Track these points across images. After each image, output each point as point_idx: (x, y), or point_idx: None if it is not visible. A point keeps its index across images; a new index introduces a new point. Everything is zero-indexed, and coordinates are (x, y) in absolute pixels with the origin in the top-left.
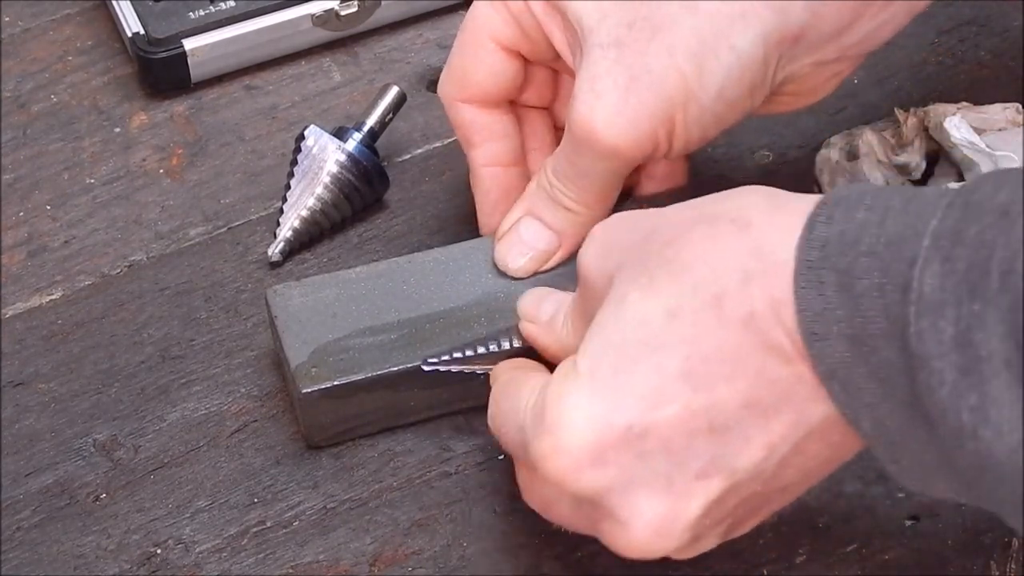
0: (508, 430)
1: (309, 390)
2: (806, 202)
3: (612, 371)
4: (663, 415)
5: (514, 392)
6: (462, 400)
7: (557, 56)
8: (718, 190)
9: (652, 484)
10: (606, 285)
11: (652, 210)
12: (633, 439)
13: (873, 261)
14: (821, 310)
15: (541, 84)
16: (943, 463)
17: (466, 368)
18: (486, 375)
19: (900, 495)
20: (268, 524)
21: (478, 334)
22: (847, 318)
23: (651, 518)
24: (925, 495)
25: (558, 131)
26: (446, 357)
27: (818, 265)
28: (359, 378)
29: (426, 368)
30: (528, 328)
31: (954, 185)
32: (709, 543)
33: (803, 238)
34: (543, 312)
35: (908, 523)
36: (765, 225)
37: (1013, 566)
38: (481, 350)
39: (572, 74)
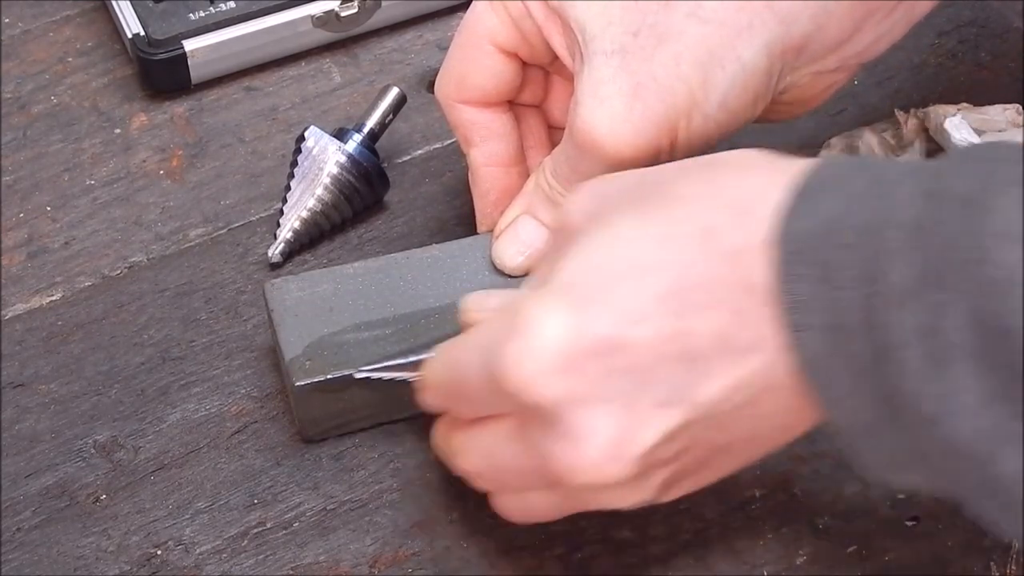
0: (465, 357)
1: (303, 383)
2: (801, 162)
3: (591, 285)
4: (638, 333)
5: (472, 329)
6: None
7: (554, 59)
8: None
9: (613, 402)
10: (592, 223)
11: (646, 168)
12: (605, 352)
13: (849, 253)
14: (800, 302)
15: (534, 83)
16: (912, 455)
17: (397, 376)
18: (414, 384)
19: (901, 496)
20: (268, 525)
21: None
22: (825, 309)
23: (605, 438)
24: (887, 485)
25: (552, 128)
26: (378, 365)
27: (796, 257)
28: (353, 372)
29: (358, 376)
30: (477, 317)
31: (917, 159)
32: (647, 489)
33: (778, 230)
34: (491, 302)
35: (909, 524)
36: (763, 170)
37: (1013, 567)
38: (413, 358)
39: (567, 76)
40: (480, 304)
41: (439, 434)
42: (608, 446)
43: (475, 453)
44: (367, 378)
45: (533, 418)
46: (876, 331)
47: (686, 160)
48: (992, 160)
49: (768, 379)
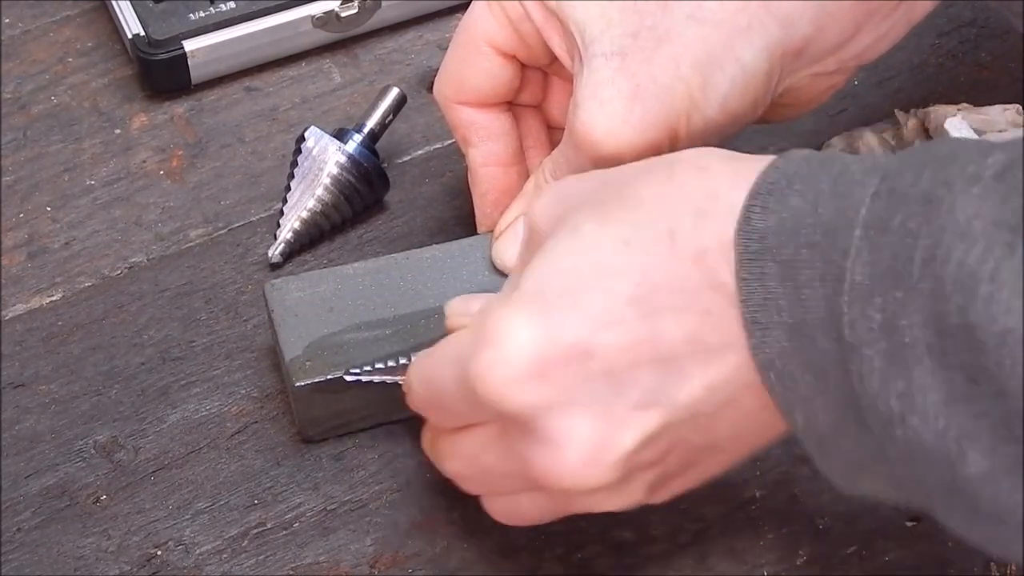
0: (440, 370)
1: (303, 384)
2: (761, 160)
3: (559, 292)
4: (608, 338)
5: (445, 341)
6: None
7: (552, 60)
8: None
9: (590, 407)
10: (556, 227)
11: (609, 168)
12: (576, 358)
13: (813, 252)
14: (763, 300)
15: (533, 84)
16: (874, 458)
17: (387, 379)
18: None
19: None
20: (268, 525)
21: None
22: (788, 308)
23: (584, 443)
24: (852, 492)
25: (551, 128)
26: (368, 367)
27: (759, 256)
28: (343, 374)
29: (348, 378)
30: (459, 321)
31: (877, 151)
32: (634, 492)
33: (741, 228)
34: (473, 306)
35: (909, 524)
36: (723, 169)
37: (1013, 567)
38: (403, 361)
39: (565, 77)
40: (462, 309)
41: (426, 438)
42: (587, 450)
43: (459, 458)
44: (357, 380)
45: (511, 425)
46: (841, 329)
47: (647, 160)
48: (951, 158)
49: (743, 378)
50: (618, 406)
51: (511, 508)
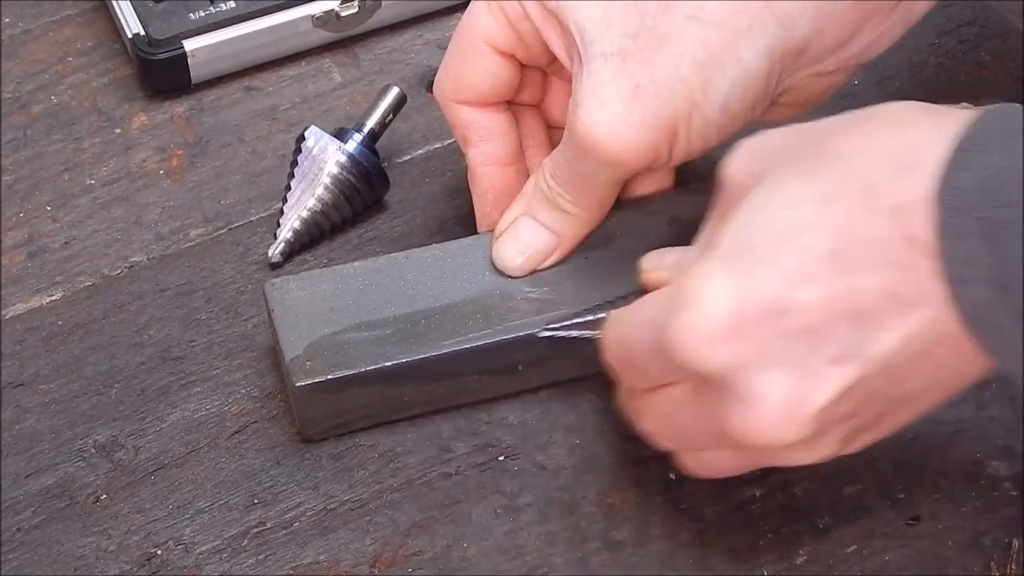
0: (636, 332)
1: (303, 384)
2: (964, 114)
3: (755, 249)
4: (805, 294)
5: (641, 302)
6: (457, 396)
7: (551, 60)
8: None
9: (786, 364)
10: (754, 183)
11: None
12: (773, 316)
13: (1014, 211)
14: (965, 257)
15: (533, 83)
16: None
17: (584, 333)
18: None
19: (901, 496)
20: (268, 525)
21: (474, 331)
22: (989, 265)
23: (780, 399)
24: None
25: (550, 128)
26: (566, 323)
27: (959, 213)
28: (353, 373)
29: (543, 335)
30: (655, 276)
31: None
32: (828, 446)
33: (941, 184)
34: (667, 260)
35: (909, 524)
36: (924, 123)
37: (1013, 567)
38: (590, 317)
39: (565, 77)
40: (656, 263)
41: (621, 397)
42: (783, 407)
43: (655, 417)
44: (549, 337)
45: (707, 385)
46: None
47: (845, 115)
48: None
49: (938, 330)
50: (813, 362)
51: (706, 463)
